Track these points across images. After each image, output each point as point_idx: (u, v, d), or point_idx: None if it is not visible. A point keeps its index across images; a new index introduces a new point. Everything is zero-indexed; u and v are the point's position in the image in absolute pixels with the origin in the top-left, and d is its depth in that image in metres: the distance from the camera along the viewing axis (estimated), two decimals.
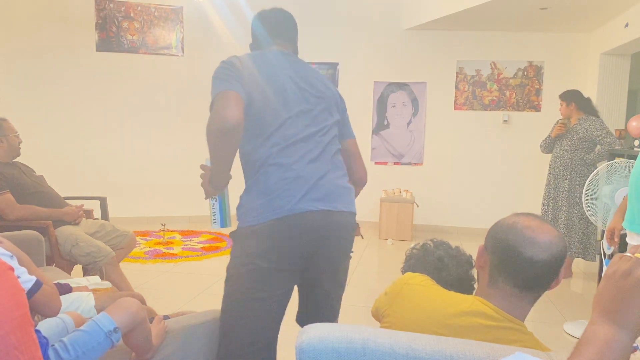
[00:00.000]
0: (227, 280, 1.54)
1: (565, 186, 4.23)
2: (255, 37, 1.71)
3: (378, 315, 1.33)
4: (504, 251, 1.11)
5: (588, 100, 4.32)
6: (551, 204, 4.34)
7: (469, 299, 1.15)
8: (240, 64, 1.52)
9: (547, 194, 4.42)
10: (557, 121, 4.40)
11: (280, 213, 1.45)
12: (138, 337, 1.40)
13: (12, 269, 0.85)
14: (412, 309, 1.18)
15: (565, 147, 4.23)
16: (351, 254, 1.67)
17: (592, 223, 4.18)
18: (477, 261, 1.19)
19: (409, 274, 1.29)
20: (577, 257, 4.26)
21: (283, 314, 1.55)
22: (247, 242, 1.49)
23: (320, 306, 1.64)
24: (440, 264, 1.44)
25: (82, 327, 1.30)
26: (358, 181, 1.74)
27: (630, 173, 2.35)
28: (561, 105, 4.31)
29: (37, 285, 1.25)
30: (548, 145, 4.44)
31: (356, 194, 1.72)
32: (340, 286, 1.67)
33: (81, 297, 2.02)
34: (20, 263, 1.39)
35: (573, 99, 4.28)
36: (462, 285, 1.42)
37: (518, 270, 1.09)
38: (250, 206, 1.50)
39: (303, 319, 1.66)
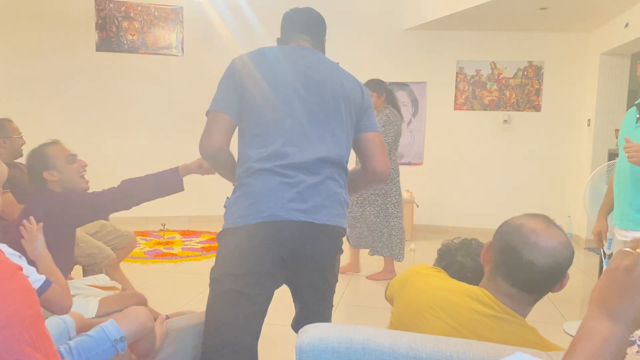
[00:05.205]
0: (210, 283, 1.54)
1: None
2: (281, 32, 1.73)
3: (391, 299, 1.36)
4: (507, 251, 1.11)
5: (392, 90, 4.09)
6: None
7: (472, 287, 1.17)
8: (242, 66, 1.54)
9: None
10: None
11: (260, 218, 1.44)
12: (144, 346, 1.41)
13: (21, 269, 0.86)
14: (417, 292, 1.22)
15: None
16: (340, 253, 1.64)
17: (389, 222, 3.99)
18: (483, 255, 1.21)
19: (421, 265, 1.34)
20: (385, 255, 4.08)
21: (263, 316, 1.52)
22: (227, 245, 1.50)
23: (309, 309, 1.62)
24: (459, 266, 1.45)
25: (89, 332, 1.30)
26: (372, 178, 1.69)
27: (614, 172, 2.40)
28: (371, 95, 3.66)
29: (47, 284, 1.26)
30: None
31: (368, 186, 1.75)
32: (330, 288, 1.63)
33: (87, 302, 2.04)
34: (42, 260, 1.40)
35: (384, 89, 4.00)
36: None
37: (517, 272, 1.10)
38: (234, 208, 1.50)
39: (294, 323, 1.66)
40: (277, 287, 1.55)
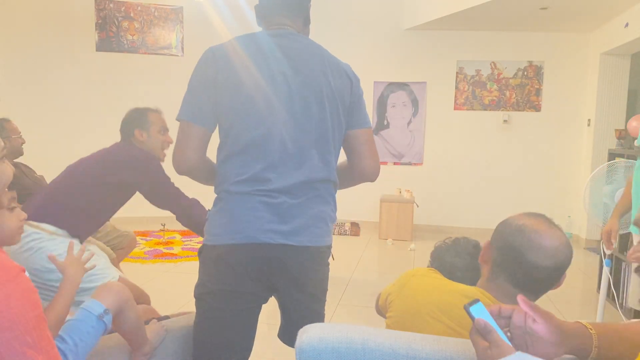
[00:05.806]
0: (195, 302, 1.48)
1: None
2: (260, 6, 1.53)
3: (385, 306, 1.34)
4: (509, 252, 1.11)
5: None
6: None
7: (470, 288, 1.17)
8: (215, 65, 1.40)
9: None
10: None
11: (237, 239, 1.37)
12: (129, 319, 1.39)
13: (24, 270, 0.85)
14: (414, 294, 1.21)
15: None
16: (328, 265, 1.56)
17: None
18: (482, 256, 1.20)
19: (416, 268, 1.33)
20: None
21: (252, 331, 1.47)
22: (206, 263, 1.44)
23: (298, 322, 1.45)
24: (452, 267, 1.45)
25: (72, 317, 1.30)
26: (358, 177, 1.56)
27: (633, 173, 2.32)
28: None
29: None
30: None
31: (353, 185, 1.60)
32: (317, 301, 1.53)
33: (109, 266, 2.14)
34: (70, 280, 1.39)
35: None
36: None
37: (520, 272, 1.10)
38: (212, 223, 1.43)
39: (280, 333, 1.57)
40: (264, 303, 1.49)
